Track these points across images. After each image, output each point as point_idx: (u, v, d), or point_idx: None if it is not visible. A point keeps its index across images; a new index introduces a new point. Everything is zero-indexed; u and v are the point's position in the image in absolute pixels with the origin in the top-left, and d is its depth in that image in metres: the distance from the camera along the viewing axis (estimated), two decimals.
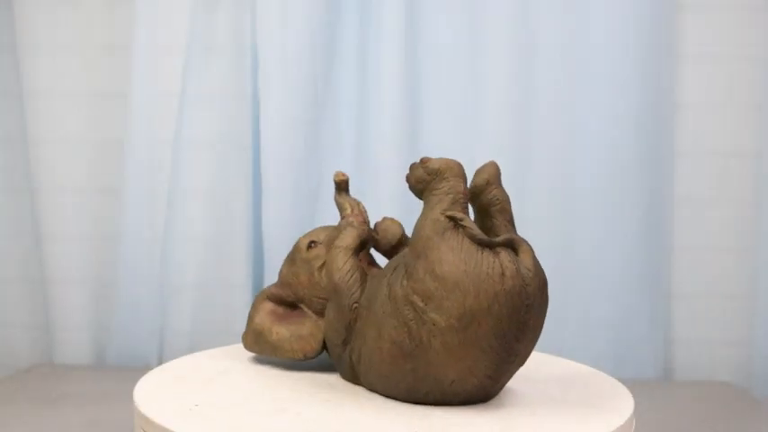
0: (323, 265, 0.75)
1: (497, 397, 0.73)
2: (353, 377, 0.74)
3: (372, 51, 1.30)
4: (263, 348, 0.79)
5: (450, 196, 0.66)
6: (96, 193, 1.37)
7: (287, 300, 0.79)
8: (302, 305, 0.78)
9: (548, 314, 0.69)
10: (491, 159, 0.71)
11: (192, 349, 1.29)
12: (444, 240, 0.65)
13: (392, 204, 1.27)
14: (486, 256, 0.63)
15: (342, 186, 0.78)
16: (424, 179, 0.68)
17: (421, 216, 0.66)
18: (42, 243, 1.36)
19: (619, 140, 1.28)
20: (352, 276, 0.72)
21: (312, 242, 0.77)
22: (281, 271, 0.79)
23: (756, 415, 1.13)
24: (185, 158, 1.33)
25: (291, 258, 0.78)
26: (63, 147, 1.36)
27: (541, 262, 0.69)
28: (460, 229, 0.64)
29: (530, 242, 0.71)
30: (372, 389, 0.72)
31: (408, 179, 0.69)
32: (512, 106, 1.29)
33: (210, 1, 1.31)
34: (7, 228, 1.40)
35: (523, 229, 1.38)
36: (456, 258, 0.63)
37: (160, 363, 1.33)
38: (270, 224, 1.29)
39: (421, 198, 0.68)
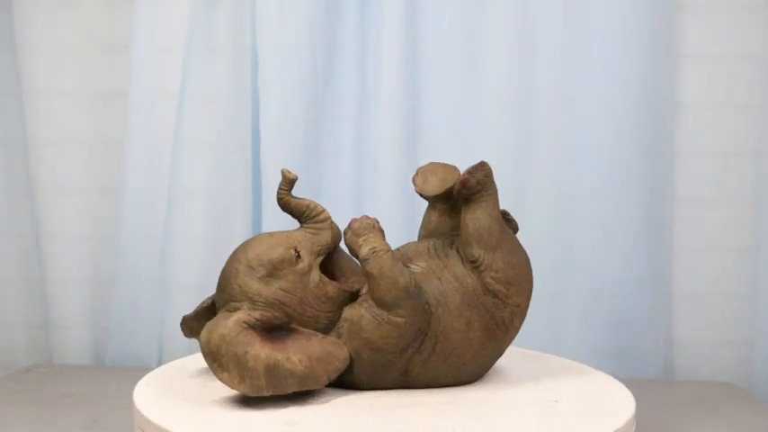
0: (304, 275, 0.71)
1: (498, 396, 0.73)
2: (402, 382, 0.73)
3: (372, 51, 1.29)
4: (287, 383, 0.68)
5: (496, 196, 0.78)
6: (96, 193, 1.37)
7: (274, 323, 0.70)
8: (294, 324, 0.70)
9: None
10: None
11: (191, 350, 1.28)
12: (508, 234, 0.77)
13: (392, 204, 1.26)
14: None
15: (291, 186, 0.76)
16: (485, 181, 0.79)
17: (479, 214, 0.76)
18: (42, 243, 1.36)
19: (619, 140, 1.27)
20: (411, 278, 0.72)
21: (297, 252, 0.72)
22: (249, 292, 0.70)
23: (757, 415, 1.13)
24: (185, 158, 1.33)
25: (272, 275, 0.70)
26: (63, 147, 1.36)
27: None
28: (505, 224, 0.77)
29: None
30: (432, 384, 0.73)
31: (468, 181, 0.78)
32: (512, 106, 1.29)
33: (210, 1, 1.31)
34: (7, 228, 1.40)
35: (523, 228, 1.38)
36: (520, 248, 0.77)
37: (159, 363, 1.33)
38: (270, 224, 1.29)
39: (457, 199, 0.78)
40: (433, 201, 0.82)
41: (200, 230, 1.34)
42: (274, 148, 1.28)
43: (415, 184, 0.81)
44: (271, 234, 0.74)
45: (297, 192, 1.30)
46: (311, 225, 0.75)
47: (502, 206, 0.80)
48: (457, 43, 1.29)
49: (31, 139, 1.35)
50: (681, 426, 1.07)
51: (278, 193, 0.76)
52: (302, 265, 0.71)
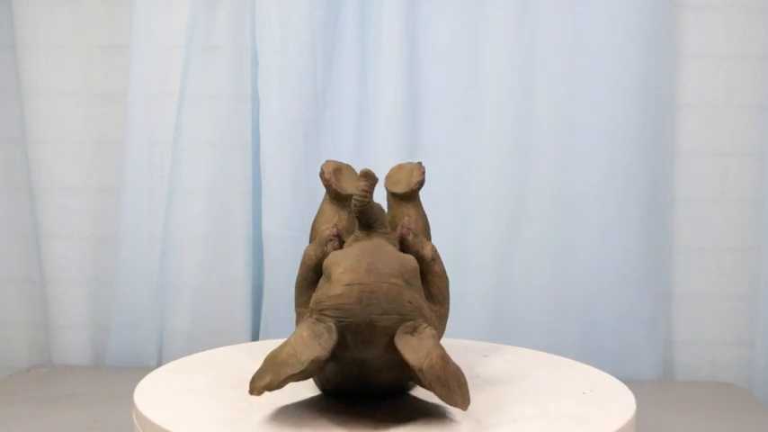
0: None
1: (500, 396, 0.73)
2: None
3: (372, 51, 1.29)
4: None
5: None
6: (96, 193, 1.37)
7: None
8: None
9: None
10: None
11: (191, 349, 1.29)
12: None
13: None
14: None
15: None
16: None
17: (420, 211, 0.80)
18: (42, 243, 1.36)
19: (619, 140, 1.27)
20: None
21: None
22: (420, 307, 0.68)
23: (758, 416, 1.13)
24: (185, 158, 1.33)
25: (414, 284, 0.70)
26: (63, 147, 1.36)
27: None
28: None
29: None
30: None
31: (420, 182, 0.81)
32: (512, 106, 1.29)
33: (210, 1, 1.31)
34: (7, 228, 1.40)
35: (523, 228, 1.38)
36: None
37: (159, 363, 1.33)
38: (270, 224, 1.29)
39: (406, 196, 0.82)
40: (396, 198, 0.86)
41: (200, 230, 1.34)
42: (274, 148, 1.28)
43: (387, 184, 0.87)
44: (376, 243, 0.71)
45: (296, 189, 1.31)
46: (384, 231, 0.74)
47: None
48: (457, 43, 1.29)
49: (30, 138, 1.35)
50: (681, 426, 1.07)
51: (364, 196, 0.71)
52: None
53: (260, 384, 0.63)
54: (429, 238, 0.83)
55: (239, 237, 1.34)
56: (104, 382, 1.24)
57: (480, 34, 1.29)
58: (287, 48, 1.28)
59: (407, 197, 0.85)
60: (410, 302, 0.66)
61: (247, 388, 0.63)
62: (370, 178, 0.71)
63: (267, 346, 0.88)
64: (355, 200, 0.71)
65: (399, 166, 0.88)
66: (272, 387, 0.63)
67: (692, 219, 1.32)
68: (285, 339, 0.66)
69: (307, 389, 0.75)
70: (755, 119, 1.30)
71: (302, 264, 0.75)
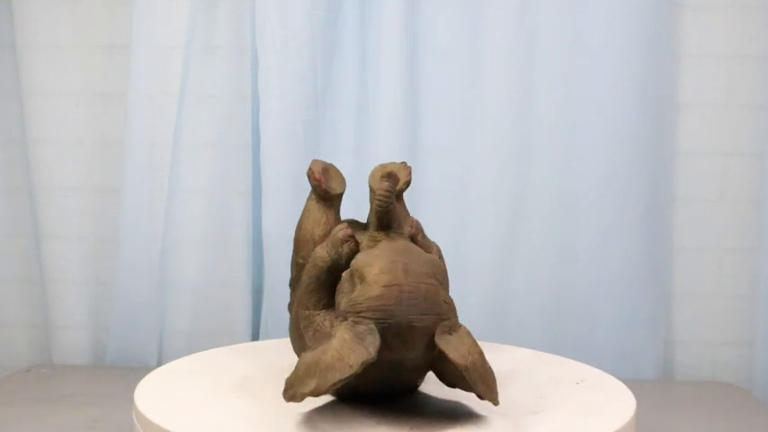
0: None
1: (500, 396, 0.73)
2: None
3: (372, 51, 1.29)
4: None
5: None
6: (96, 193, 1.37)
7: None
8: None
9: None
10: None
11: (191, 349, 1.29)
12: None
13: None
14: None
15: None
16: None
17: (406, 210, 0.79)
18: (42, 243, 1.36)
19: (619, 140, 1.27)
20: None
21: None
22: (452, 305, 0.69)
23: (758, 416, 1.13)
24: (185, 158, 1.33)
25: (442, 282, 0.70)
26: (63, 147, 1.36)
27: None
28: None
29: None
30: None
31: (408, 183, 0.81)
32: (512, 106, 1.29)
33: (210, 0, 1.31)
34: (7, 228, 1.40)
35: (523, 228, 1.38)
36: None
37: (159, 363, 1.33)
38: (270, 224, 1.29)
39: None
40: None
41: (200, 230, 1.34)
42: (274, 148, 1.28)
43: (372, 183, 0.85)
44: (401, 243, 0.71)
45: (296, 191, 1.31)
46: (400, 231, 0.75)
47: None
48: (457, 42, 1.29)
49: (30, 138, 1.35)
50: (681, 426, 1.07)
51: (389, 197, 0.72)
52: None
53: (304, 391, 0.62)
54: None
55: (239, 237, 1.34)
56: (104, 382, 1.24)
57: (480, 34, 1.29)
58: (287, 48, 1.28)
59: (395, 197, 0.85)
60: (446, 302, 0.67)
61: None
62: (393, 179, 0.71)
63: (267, 346, 0.89)
64: (379, 200, 0.71)
65: (384, 166, 0.87)
66: (318, 393, 0.62)
67: (692, 219, 1.32)
68: (324, 344, 0.64)
69: None
70: (755, 119, 1.30)
71: (313, 265, 0.73)
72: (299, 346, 0.77)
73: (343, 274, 0.71)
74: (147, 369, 0.91)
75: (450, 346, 0.66)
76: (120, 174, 1.33)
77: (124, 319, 1.34)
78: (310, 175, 0.83)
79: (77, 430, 1.01)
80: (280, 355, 0.83)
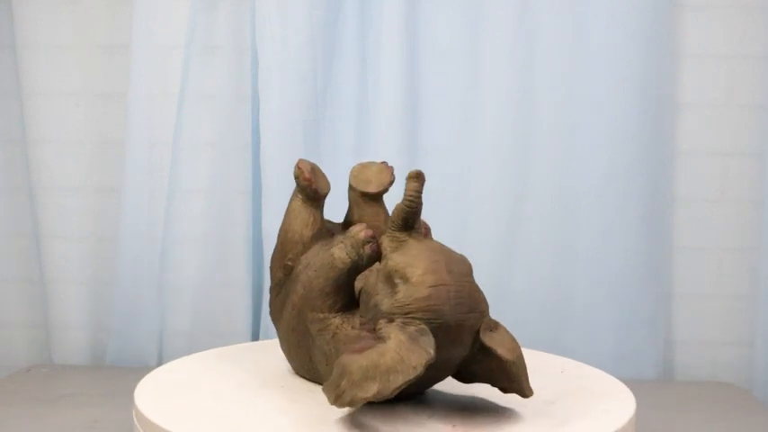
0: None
1: (500, 396, 0.73)
2: None
3: (372, 51, 1.29)
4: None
5: None
6: (96, 193, 1.37)
7: None
8: None
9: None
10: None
11: (191, 349, 1.29)
12: None
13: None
14: None
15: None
16: None
17: (386, 210, 0.79)
18: (42, 243, 1.36)
19: (619, 140, 1.27)
20: None
21: None
22: (486, 301, 0.70)
23: (758, 416, 1.13)
24: (185, 158, 1.33)
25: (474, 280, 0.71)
26: (63, 147, 1.36)
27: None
28: None
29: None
30: None
31: (392, 182, 0.81)
32: (512, 106, 1.29)
33: (210, 1, 1.31)
34: (7, 228, 1.40)
35: (523, 228, 1.38)
36: None
37: (159, 363, 1.33)
38: (270, 224, 1.29)
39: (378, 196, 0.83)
40: (366, 198, 0.85)
41: (200, 230, 1.34)
42: (274, 148, 1.28)
43: (356, 183, 0.84)
44: (431, 243, 0.71)
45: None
46: (419, 231, 0.74)
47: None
48: (457, 42, 1.29)
49: (30, 138, 1.35)
50: (681, 426, 1.07)
51: (417, 197, 0.71)
52: None
53: (364, 395, 0.61)
54: None
55: (239, 237, 1.34)
56: (104, 381, 1.24)
57: (480, 34, 1.29)
58: (287, 48, 1.28)
59: (378, 197, 0.84)
60: (484, 300, 0.69)
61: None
62: (421, 179, 0.70)
63: (267, 345, 0.88)
64: (408, 201, 0.70)
65: (364, 166, 0.86)
66: (381, 397, 0.61)
67: (692, 219, 1.32)
68: (376, 347, 0.63)
69: (311, 391, 0.74)
70: (755, 119, 1.30)
71: (331, 267, 0.71)
72: (301, 351, 0.75)
73: (372, 274, 0.70)
74: (147, 369, 0.91)
75: (496, 343, 0.67)
76: (120, 174, 1.33)
77: (124, 319, 1.34)
78: (299, 175, 0.81)
79: (77, 430, 1.01)
80: (280, 356, 0.83)
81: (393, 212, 0.71)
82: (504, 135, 1.29)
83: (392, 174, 0.84)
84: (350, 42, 1.30)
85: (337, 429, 0.65)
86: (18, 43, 1.33)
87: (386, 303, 0.66)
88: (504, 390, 0.70)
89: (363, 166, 0.86)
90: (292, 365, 0.79)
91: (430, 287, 0.65)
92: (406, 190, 0.70)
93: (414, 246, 0.69)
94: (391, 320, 0.64)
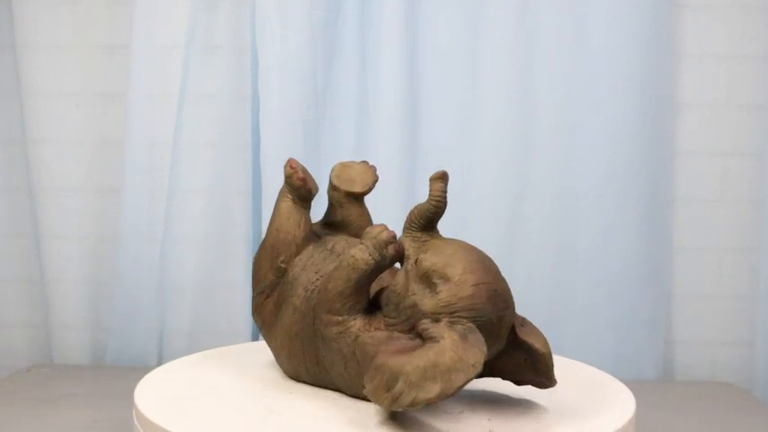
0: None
1: (500, 396, 0.73)
2: None
3: (372, 51, 1.29)
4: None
5: None
6: (96, 193, 1.37)
7: None
8: None
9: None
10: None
11: (191, 349, 1.29)
12: None
13: (392, 204, 1.26)
14: None
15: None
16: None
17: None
18: (42, 243, 1.36)
19: (619, 140, 1.27)
20: None
21: None
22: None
23: (758, 416, 1.13)
24: (185, 158, 1.33)
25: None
26: (63, 147, 1.36)
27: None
28: None
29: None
30: None
31: (376, 182, 0.80)
32: (512, 106, 1.29)
33: (210, 1, 1.31)
34: (7, 228, 1.40)
35: (523, 228, 1.38)
36: None
37: (160, 363, 1.33)
38: None
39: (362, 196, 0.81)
40: (351, 198, 0.83)
41: (200, 230, 1.34)
42: (274, 148, 1.28)
43: (339, 183, 0.82)
44: (457, 242, 0.73)
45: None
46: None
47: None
48: (457, 43, 1.29)
49: (30, 138, 1.35)
50: (681, 426, 1.07)
51: (444, 198, 0.72)
52: None
53: (428, 396, 0.60)
54: None
55: (239, 237, 1.34)
56: (104, 382, 1.24)
57: (480, 34, 1.29)
58: (287, 48, 1.28)
59: (362, 197, 0.83)
60: (512, 298, 0.69)
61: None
62: (446, 179, 0.71)
63: (267, 346, 0.88)
64: (436, 201, 0.71)
65: (345, 165, 0.84)
66: (443, 396, 0.60)
67: (692, 219, 1.32)
68: (430, 346, 0.62)
69: (305, 388, 0.74)
70: (755, 119, 1.30)
71: (353, 268, 0.69)
72: (306, 355, 0.73)
73: (395, 275, 0.70)
74: (147, 369, 0.91)
75: (532, 337, 0.69)
76: (120, 174, 1.33)
77: (124, 319, 1.34)
78: (292, 174, 0.80)
79: (77, 430, 1.01)
80: None
81: (413, 213, 0.71)
82: (504, 135, 1.29)
83: (375, 173, 0.83)
84: (350, 42, 1.30)
85: (348, 429, 0.65)
86: (18, 43, 1.33)
87: (428, 304, 0.65)
88: (520, 383, 0.71)
89: (345, 166, 0.84)
90: (288, 369, 0.77)
91: (473, 286, 0.65)
92: (431, 190, 0.71)
93: (442, 245, 0.70)
94: (437, 320, 0.64)
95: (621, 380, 0.82)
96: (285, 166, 0.81)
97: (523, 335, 0.69)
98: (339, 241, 0.78)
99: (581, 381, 0.81)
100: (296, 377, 0.77)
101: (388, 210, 1.26)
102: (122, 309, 1.34)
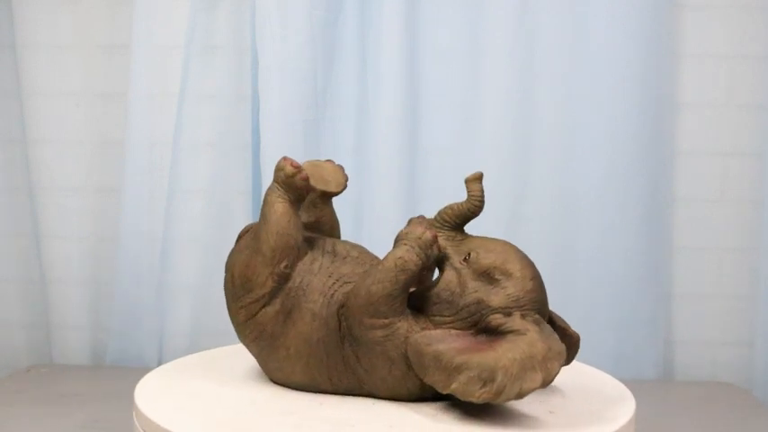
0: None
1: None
2: None
3: (372, 51, 1.29)
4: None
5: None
6: (95, 193, 1.37)
7: None
8: None
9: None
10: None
11: (191, 349, 1.29)
12: None
13: (392, 204, 1.26)
14: None
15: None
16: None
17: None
18: (42, 243, 1.36)
19: (619, 140, 1.28)
20: None
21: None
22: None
23: (758, 416, 1.13)
24: (185, 158, 1.33)
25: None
26: (63, 147, 1.36)
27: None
28: None
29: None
30: None
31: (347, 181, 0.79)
32: (512, 106, 1.29)
33: (210, 1, 1.31)
34: (7, 228, 1.40)
35: (523, 228, 1.38)
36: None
37: (159, 363, 1.33)
38: None
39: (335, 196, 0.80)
40: (325, 198, 0.81)
41: (200, 230, 1.34)
42: (274, 148, 1.28)
43: (315, 183, 0.80)
44: (490, 239, 0.75)
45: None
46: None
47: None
48: (457, 43, 1.29)
49: (30, 139, 1.35)
50: (681, 426, 1.07)
51: (483, 198, 0.74)
52: None
53: (532, 386, 0.62)
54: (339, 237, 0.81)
55: None
56: (104, 382, 1.24)
57: (480, 34, 1.29)
58: (287, 48, 1.28)
59: (333, 197, 0.82)
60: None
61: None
62: (481, 179, 0.74)
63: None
64: (477, 201, 0.74)
65: (316, 165, 0.82)
66: (545, 385, 0.63)
67: (692, 219, 1.32)
68: (513, 339, 0.64)
69: (310, 392, 0.74)
70: (755, 119, 1.30)
71: (402, 269, 0.68)
72: (331, 362, 0.70)
73: (451, 273, 0.70)
74: (146, 369, 0.91)
75: (562, 322, 0.73)
76: (120, 174, 1.33)
77: (124, 319, 1.34)
78: (295, 173, 0.77)
79: (77, 430, 1.01)
80: None
81: (447, 213, 0.74)
82: (504, 135, 1.29)
83: (345, 172, 0.81)
84: (350, 42, 1.30)
85: (363, 429, 0.65)
86: (18, 43, 1.34)
87: (495, 299, 0.67)
88: None
89: (315, 166, 0.82)
90: (302, 379, 0.73)
91: (531, 280, 0.68)
92: (470, 191, 0.73)
93: (486, 243, 0.74)
94: (509, 314, 0.67)
95: (621, 380, 0.82)
96: (283, 166, 0.78)
97: (559, 320, 0.73)
98: (336, 243, 0.77)
99: (581, 381, 0.81)
100: (312, 386, 0.73)
101: (388, 209, 1.26)
102: (122, 309, 1.34)
